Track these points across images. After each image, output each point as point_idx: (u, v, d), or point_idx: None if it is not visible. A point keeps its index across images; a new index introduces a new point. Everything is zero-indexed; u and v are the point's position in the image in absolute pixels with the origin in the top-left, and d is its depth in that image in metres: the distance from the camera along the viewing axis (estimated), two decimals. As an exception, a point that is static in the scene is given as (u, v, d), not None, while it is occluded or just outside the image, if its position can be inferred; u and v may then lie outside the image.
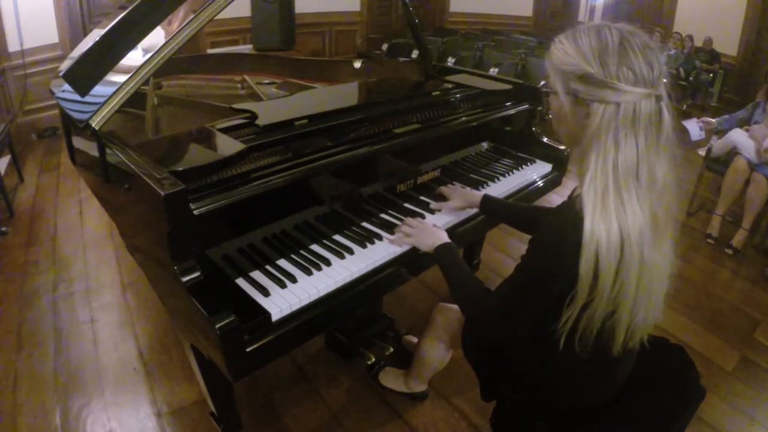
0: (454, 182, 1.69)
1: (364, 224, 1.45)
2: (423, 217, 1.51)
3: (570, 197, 0.98)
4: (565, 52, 0.90)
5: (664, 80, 0.87)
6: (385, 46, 6.68)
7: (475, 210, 1.57)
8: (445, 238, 1.30)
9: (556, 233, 0.93)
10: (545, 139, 2.00)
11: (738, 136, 3.21)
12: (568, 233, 0.88)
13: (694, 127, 3.21)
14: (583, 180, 0.89)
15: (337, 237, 1.39)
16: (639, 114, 0.85)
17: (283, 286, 1.17)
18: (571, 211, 0.89)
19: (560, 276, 0.92)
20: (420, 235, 1.34)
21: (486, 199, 1.53)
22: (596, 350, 0.96)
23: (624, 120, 0.85)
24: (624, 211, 0.85)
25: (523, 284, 1.01)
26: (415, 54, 4.83)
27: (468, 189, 1.61)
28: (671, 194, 0.92)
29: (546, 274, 0.95)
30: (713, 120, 3.36)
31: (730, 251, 2.97)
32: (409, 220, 1.42)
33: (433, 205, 1.56)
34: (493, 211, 1.54)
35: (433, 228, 1.36)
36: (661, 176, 0.88)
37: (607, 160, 0.86)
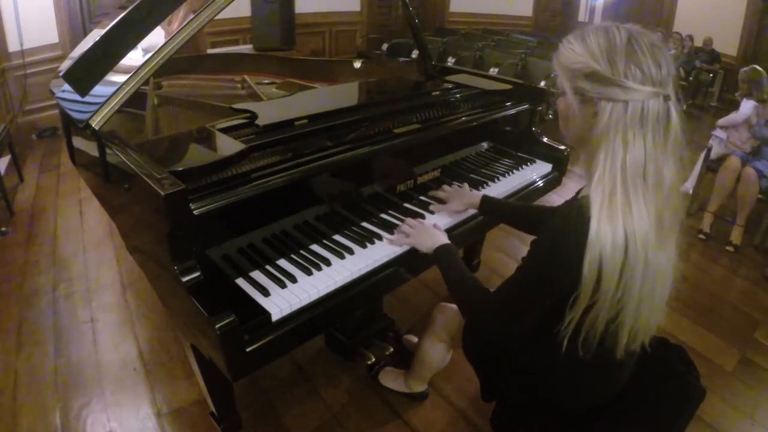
0: (452, 183, 1.68)
1: (364, 224, 1.45)
2: (423, 217, 1.51)
3: (575, 198, 0.98)
4: (573, 51, 0.90)
5: (672, 81, 0.87)
6: (385, 46, 6.69)
7: (475, 210, 1.57)
8: (444, 240, 1.30)
9: (558, 235, 0.91)
10: (545, 139, 2.00)
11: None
12: (570, 235, 0.87)
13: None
14: (590, 180, 0.89)
15: (337, 237, 1.39)
16: (647, 113, 0.84)
17: (283, 286, 1.17)
18: (576, 212, 0.89)
19: (561, 278, 0.91)
20: (419, 236, 1.33)
21: (485, 200, 1.52)
22: (599, 354, 0.95)
23: (632, 119, 0.84)
24: (630, 213, 0.84)
25: (523, 285, 1.01)
26: (415, 54, 4.83)
27: (465, 188, 1.60)
28: (678, 196, 0.91)
29: (547, 276, 0.94)
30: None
31: (731, 248, 3.00)
32: (409, 220, 1.41)
33: (432, 207, 1.55)
34: (493, 212, 1.54)
35: (432, 229, 1.36)
36: (669, 177, 0.87)
37: (615, 159, 0.85)
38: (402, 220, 1.45)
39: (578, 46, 0.89)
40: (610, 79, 0.85)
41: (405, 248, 1.36)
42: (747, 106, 3.23)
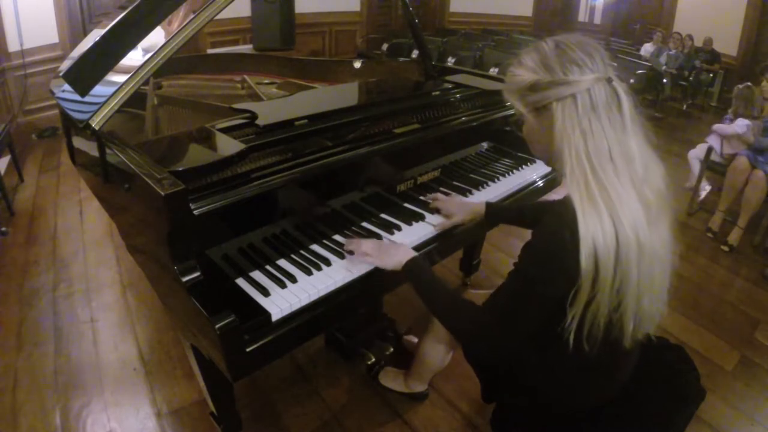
0: (445, 191, 1.63)
1: (365, 224, 1.45)
2: (423, 217, 1.50)
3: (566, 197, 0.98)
4: (514, 75, 0.97)
5: (609, 66, 0.91)
6: (385, 46, 6.69)
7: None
8: (410, 253, 1.20)
9: (552, 235, 0.91)
10: (545, 139, 1.99)
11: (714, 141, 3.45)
12: (565, 233, 0.87)
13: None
14: (566, 179, 0.91)
15: (337, 237, 1.38)
16: (596, 99, 0.88)
17: (283, 286, 1.17)
18: (565, 210, 0.89)
19: (560, 278, 0.90)
20: (381, 255, 1.22)
21: (489, 207, 1.49)
22: (606, 347, 0.94)
23: (583, 109, 0.88)
24: (609, 195, 0.86)
25: (522, 291, 0.97)
26: (415, 54, 4.83)
27: (462, 198, 1.55)
28: (657, 173, 0.92)
29: (546, 278, 0.93)
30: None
31: (726, 248, 3.02)
32: (364, 242, 1.28)
33: (437, 227, 1.46)
34: (498, 218, 1.51)
35: (392, 246, 1.26)
36: (637, 153, 0.90)
37: (579, 151, 0.88)
38: (400, 221, 1.45)
39: (517, 69, 0.97)
40: (551, 81, 0.90)
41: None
42: (741, 125, 3.25)
